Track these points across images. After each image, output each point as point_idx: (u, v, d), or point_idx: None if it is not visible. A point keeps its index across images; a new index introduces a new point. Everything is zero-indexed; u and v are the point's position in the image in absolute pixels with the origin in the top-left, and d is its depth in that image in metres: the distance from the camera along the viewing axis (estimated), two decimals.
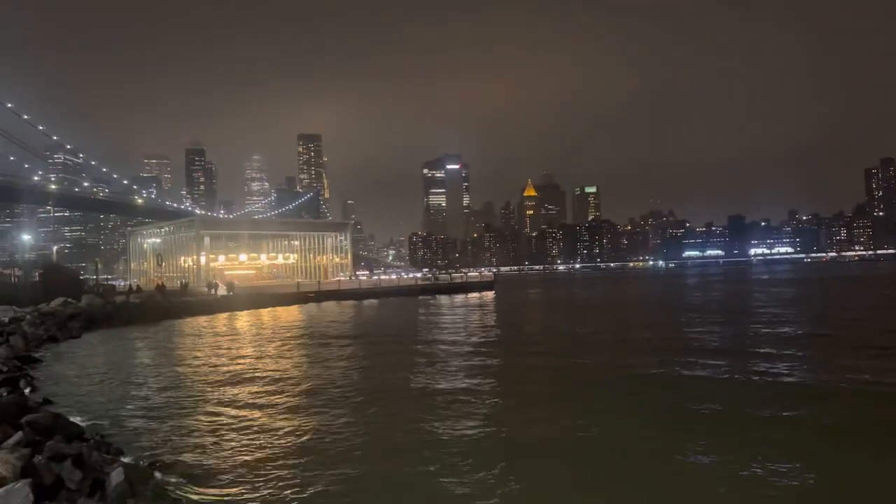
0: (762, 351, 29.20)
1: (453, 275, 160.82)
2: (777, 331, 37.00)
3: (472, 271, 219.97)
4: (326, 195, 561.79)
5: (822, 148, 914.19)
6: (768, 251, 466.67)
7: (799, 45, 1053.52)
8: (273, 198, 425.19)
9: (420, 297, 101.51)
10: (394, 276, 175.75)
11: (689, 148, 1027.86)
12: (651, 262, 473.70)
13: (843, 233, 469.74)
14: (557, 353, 32.14)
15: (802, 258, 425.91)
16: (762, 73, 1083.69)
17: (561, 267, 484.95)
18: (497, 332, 44.80)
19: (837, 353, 27.91)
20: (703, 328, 40.32)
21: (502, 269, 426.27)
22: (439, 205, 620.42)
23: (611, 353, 30.51)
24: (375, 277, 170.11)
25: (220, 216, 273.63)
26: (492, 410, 19.11)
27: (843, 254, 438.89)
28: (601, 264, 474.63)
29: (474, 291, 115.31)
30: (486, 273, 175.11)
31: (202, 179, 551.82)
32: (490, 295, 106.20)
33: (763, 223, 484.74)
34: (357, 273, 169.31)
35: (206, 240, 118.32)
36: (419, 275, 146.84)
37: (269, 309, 78.26)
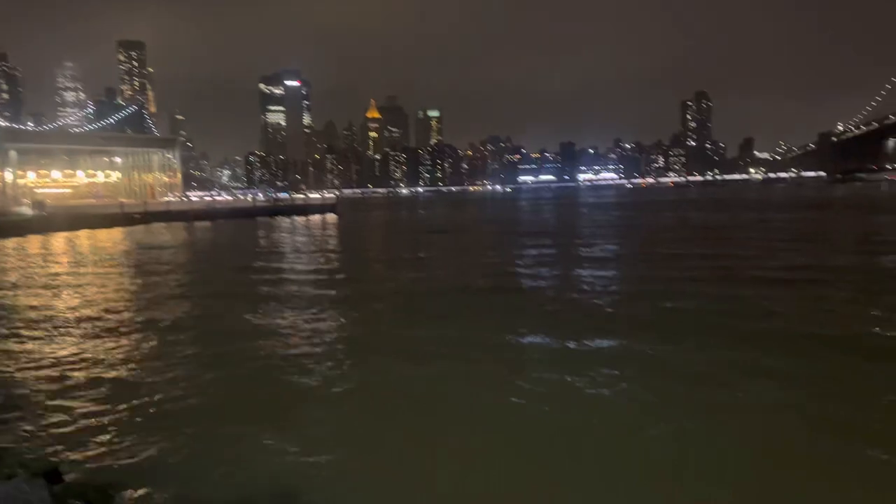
0: (576, 269, 31.32)
1: (294, 196, 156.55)
2: (590, 250, 39.79)
3: (314, 193, 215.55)
4: (152, 109, 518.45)
5: (645, 80, 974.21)
6: (595, 177, 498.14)
7: None
8: (91, 110, 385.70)
9: (258, 219, 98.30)
10: (229, 197, 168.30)
11: (526, 76, 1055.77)
12: (489, 187, 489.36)
13: (661, 160, 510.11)
14: (400, 273, 32.40)
15: (625, 183, 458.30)
16: (591, 4, 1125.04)
17: (404, 190, 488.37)
18: (340, 256, 44.42)
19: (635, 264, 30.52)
20: (534, 250, 42.45)
21: (345, 191, 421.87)
22: (278, 123, 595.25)
23: (452, 272, 31.21)
24: (209, 198, 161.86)
25: (29, 129, 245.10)
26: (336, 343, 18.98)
27: (661, 180, 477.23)
28: (443, 188, 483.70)
29: (316, 213, 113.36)
30: (329, 195, 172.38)
31: (5, 87, 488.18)
32: (332, 217, 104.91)
33: (591, 150, 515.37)
34: (188, 194, 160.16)
35: (13, 154, 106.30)
36: (258, 196, 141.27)
37: (89, 231, 72.33)
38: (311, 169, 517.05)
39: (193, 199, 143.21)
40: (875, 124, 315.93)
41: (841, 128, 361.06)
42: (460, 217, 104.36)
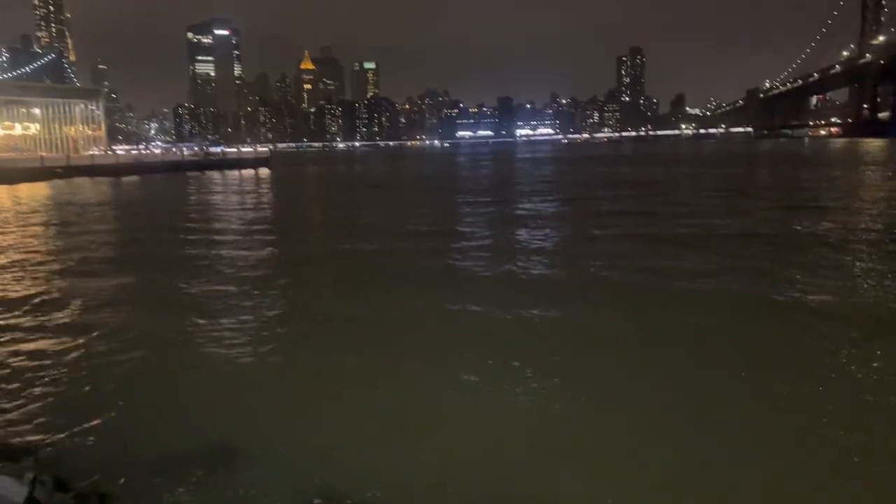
0: (510, 227, 31.84)
1: (226, 150, 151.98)
2: (525, 207, 40.45)
3: (247, 147, 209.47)
4: (72, 58, 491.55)
5: (582, 36, 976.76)
6: (532, 132, 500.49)
7: None
8: (5, 59, 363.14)
9: (189, 174, 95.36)
10: (157, 151, 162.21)
11: (463, 30, 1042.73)
12: (427, 142, 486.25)
13: (596, 116, 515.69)
14: (336, 234, 32.15)
15: (561, 139, 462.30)
16: None
17: (341, 145, 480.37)
18: (274, 213, 43.70)
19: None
20: (470, 207, 42.76)
21: (279, 145, 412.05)
22: (207, 74, 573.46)
23: (385, 239, 31.22)
24: (136, 152, 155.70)
25: None
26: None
27: (595, 135, 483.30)
28: (380, 143, 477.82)
29: (249, 168, 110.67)
30: (262, 149, 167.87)
31: None
32: (266, 172, 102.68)
33: (528, 105, 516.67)
34: (114, 148, 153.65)
35: None
36: (187, 150, 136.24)
37: (8, 186, 68.84)
38: (243, 122, 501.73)
39: (119, 152, 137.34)
40: (799, 81, 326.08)
41: (768, 84, 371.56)
42: (398, 172, 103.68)
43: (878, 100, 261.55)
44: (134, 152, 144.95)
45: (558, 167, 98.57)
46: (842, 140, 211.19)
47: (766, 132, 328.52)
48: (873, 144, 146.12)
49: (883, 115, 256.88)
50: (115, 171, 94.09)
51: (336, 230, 33.03)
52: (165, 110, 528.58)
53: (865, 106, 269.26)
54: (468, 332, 14.13)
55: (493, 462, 8.67)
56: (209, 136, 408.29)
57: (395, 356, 12.66)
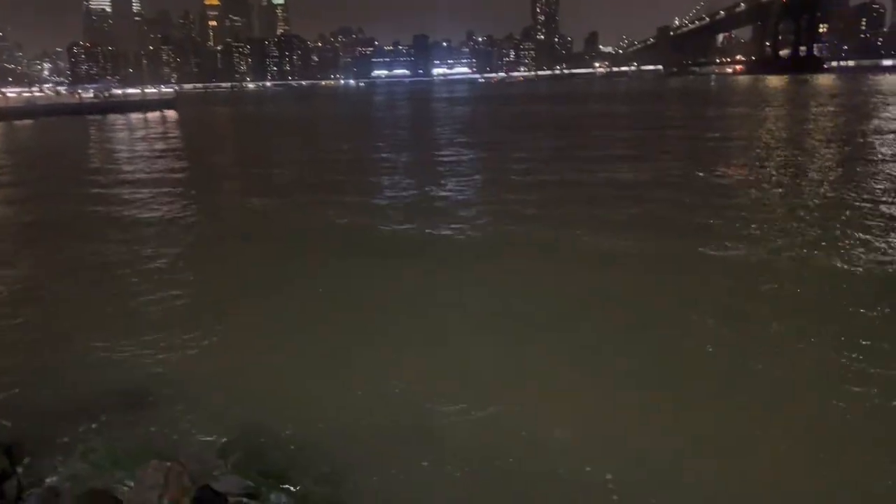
0: (426, 163, 32.03)
1: (127, 92, 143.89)
2: (443, 148, 40.59)
3: (150, 88, 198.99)
4: None
5: None
6: (449, 71, 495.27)
7: None
8: None
9: (88, 117, 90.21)
10: (52, 93, 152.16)
11: None
12: (342, 81, 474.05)
13: (512, 54, 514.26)
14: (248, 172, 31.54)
15: (478, 78, 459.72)
16: None
17: (251, 85, 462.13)
18: (181, 159, 42.23)
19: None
20: (386, 145, 42.54)
21: (185, 86, 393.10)
22: (103, 10, 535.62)
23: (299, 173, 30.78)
24: (28, 94, 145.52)
25: None
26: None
27: (512, 74, 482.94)
28: (293, 82, 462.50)
29: (153, 110, 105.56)
30: (167, 90, 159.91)
31: None
32: (173, 114, 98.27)
33: (444, 44, 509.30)
34: (3, 90, 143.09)
35: None
36: (86, 92, 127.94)
37: None
38: (144, 62, 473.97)
39: (10, 94, 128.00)
40: (707, 19, 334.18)
41: (677, 22, 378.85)
42: (311, 113, 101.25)
43: (780, 38, 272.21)
44: (26, 94, 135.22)
45: (476, 105, 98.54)
46: (746, 77, 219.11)
47: (675, 70, 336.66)
48: (774, 82, 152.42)
49: (784, 52, 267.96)
50: (5, 114, 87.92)
51: (247, 181, 32.14)
52: (59, 49, 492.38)
53: (767, 44, 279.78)
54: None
55: (382, 386, 9.15)
56: (108, 78, 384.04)
57: (308, 304, 12.93)
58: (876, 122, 45.84)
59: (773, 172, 25.82)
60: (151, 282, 14.35)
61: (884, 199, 20.07)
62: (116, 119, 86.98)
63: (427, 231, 18.02)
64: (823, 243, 15.32)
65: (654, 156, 32.73)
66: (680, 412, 8.41)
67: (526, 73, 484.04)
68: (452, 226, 18.54)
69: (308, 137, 54.43)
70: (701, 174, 26.08)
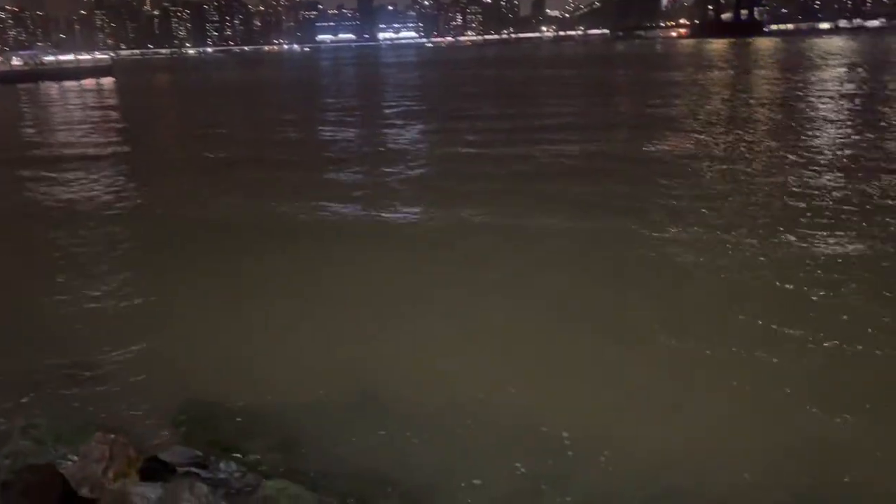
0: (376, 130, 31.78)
1: (61, 59, 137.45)
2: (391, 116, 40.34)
3: (85, 55, 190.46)
4: None
5: None
6: (396, 35, 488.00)
7: None
8: None
9: (20, 86, 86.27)
10: None
11: None
12: (286, 47, 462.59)
13: (459, 18, 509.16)
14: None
15: (425, 42, 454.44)
16: None
17: (191, 51, 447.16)
18: (120, 129, 40.91)
19: None
20: (333, 114, 42.01)
21: (122, 52, 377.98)
22: None
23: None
24: None
25: None
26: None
27: (459, 38, 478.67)
28: (235, 48, 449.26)
29: (89, 78, 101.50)
30: (102, 57, 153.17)
31: None
32: (110, 81, 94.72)
33: (390, 7, 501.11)
34: None
35: None
36: (15, 59, 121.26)
37: None
38: (77, 27, 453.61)
39: None
40: None
41: None
42: (254, 79, 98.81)
43: (722, 1, 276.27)
44: None
45: (425, 71, 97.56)
46: (690, 41, 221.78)
47: (621, 34, 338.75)
48: (716, 45, 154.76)
49: (726, 15, 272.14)
50: None
51: (191, 155, 31.07)
52: None
53: (710, 7, 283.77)
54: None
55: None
56: (39, 44, 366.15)
57: (253, 280, 12.86)
58: (811, 82, 47.18)
59: (716, 140, 26.25)
60: (89, 258, 14.02)
61: (817, 158, 20.81)
62: (50, 87, 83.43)
63: (374, 213, 17.91)
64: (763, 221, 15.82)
65: (600, 124, 33.14)
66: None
67: (474, 38, 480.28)
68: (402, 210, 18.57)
69: (253, 106, 53.15)
70: (646, 148, 26.60)
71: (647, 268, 12.11)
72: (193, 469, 6.26)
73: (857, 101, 35.97)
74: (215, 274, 12.72)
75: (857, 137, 24.89)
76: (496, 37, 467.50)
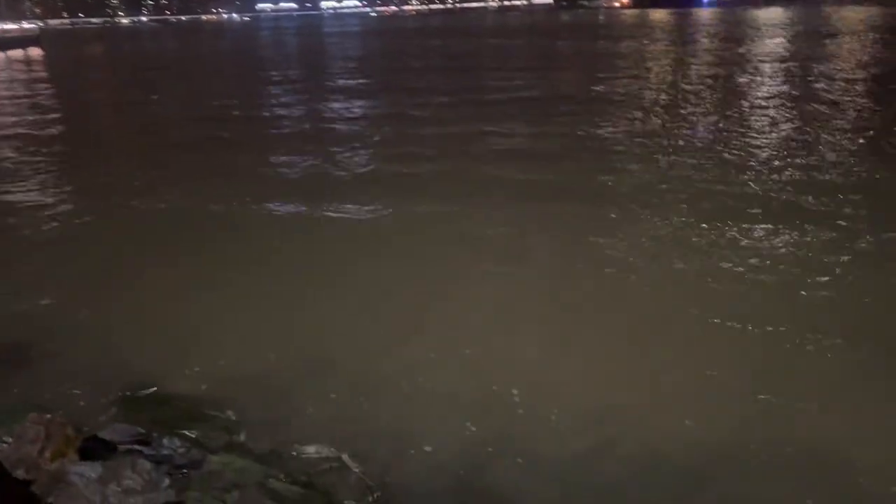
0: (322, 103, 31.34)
1: None
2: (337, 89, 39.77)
3: (10, 24, 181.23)
4: None
5: None
6: (339, 4, 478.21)
7: None
8: None
9: None
10: None
11: None
12: (225, 16, 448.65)
13: None
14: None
15: (369, 12, 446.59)
16: None
17: (125, 20, 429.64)
18: (52, 103, 39.27)
19: None
20: (279, 87, 41.21)
21: (51, 21, 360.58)
22: None
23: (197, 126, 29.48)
24: None
25: None
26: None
27: (404, 7, 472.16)
28: (171, 17, 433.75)
29: (15, 48, 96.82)
30: (29, 26, 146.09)
31: None
32: (37, 52, 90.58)
33: None
34: None
35: None
36: None
37: None
38: None
39: None
40: None
41: None
42: (192, 50, 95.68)
43: None
44: None
45: (370, 41, 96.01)
46: (632, 11, 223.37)
47: (565, 3, 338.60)
48: (658, 15, 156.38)
49: None
50: None
51: (129, 115, 30.48)
52: None
53: None
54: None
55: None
56: None
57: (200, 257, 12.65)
58: (752, 53, 48.22)
59: (660, 117, 26.50)
60: (26, 237, 13.58)
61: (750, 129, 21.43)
62: None
63: (316, 205, 17.77)
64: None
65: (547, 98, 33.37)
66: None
67: (419, 7, 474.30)
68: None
69: (195, 80, 51.45)
70: (596, 130, 26.78)
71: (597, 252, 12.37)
72: (136, 447, 6.20)
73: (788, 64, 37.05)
74: (159, 263, 12.38)
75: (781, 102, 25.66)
76: (441, 6, 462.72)
